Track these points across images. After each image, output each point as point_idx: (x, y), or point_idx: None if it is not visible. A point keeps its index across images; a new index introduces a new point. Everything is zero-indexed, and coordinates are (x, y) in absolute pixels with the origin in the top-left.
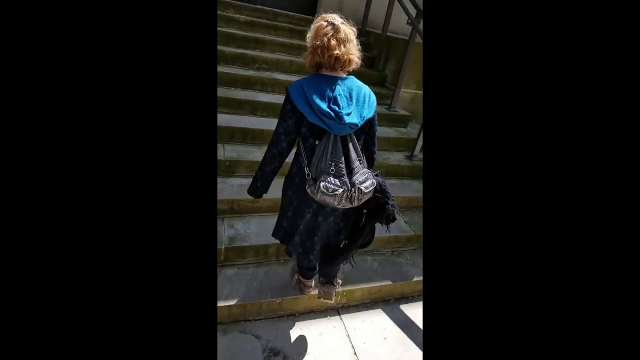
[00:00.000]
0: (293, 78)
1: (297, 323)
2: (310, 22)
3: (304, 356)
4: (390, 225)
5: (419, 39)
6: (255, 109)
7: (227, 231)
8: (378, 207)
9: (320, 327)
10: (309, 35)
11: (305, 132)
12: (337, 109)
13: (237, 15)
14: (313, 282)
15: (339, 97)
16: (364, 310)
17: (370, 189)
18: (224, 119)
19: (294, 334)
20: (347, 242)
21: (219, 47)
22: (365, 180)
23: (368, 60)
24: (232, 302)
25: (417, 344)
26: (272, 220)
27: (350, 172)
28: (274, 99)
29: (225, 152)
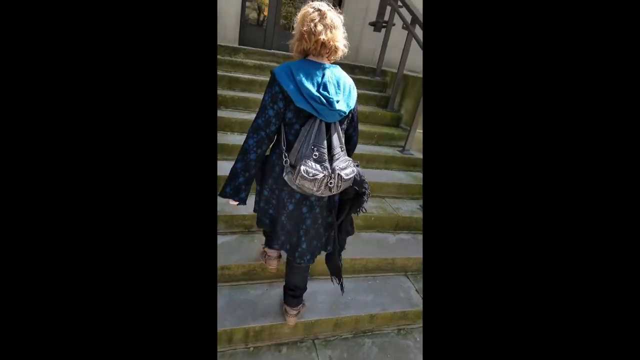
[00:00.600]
0: None
1: None
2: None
3: None
4: (360, 212)
5: None
6: None
7: None
8: (356, 197)
9: None
10: (296, 22)
11: (291, 117)
12: (327, 94)
13: (246, 60)
14: (277, 253)
15: (328, 84)
16: None
17: (350, 176)
18: (222, 167)
19: None
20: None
21: (221, 92)
22: (346, 167)
23: (382, 99)
24: None
25: None
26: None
27: (332, 158)
28: None
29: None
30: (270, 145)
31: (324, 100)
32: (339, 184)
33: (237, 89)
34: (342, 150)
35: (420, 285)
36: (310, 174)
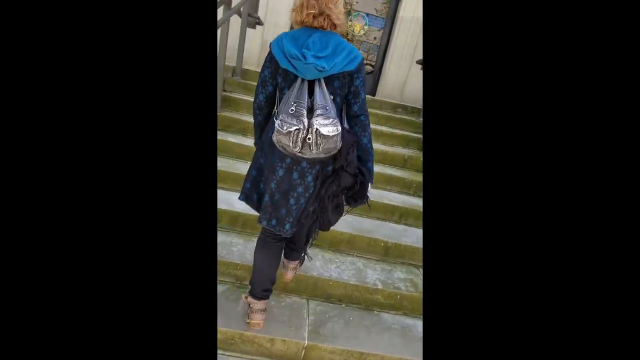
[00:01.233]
0: None
1: None
2: (371, 102)
3: None
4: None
5: None
6: None
7: None
8: (356, 184)
9: None
10: None
11: (281, 82)
12: (305, 51)
13: None
14: (262, 305)
15: (311, 43)
16: None
17: (333, 135)
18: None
19: None
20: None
21: (240, 117)
22: (328, 125)
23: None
24: None
25: None
26: None
27: (311, 113)
28: None
29: None
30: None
31: (300, 55)
32: (319, 141)
33: None
34: (326, 110)
35: None
36: (285, 128)
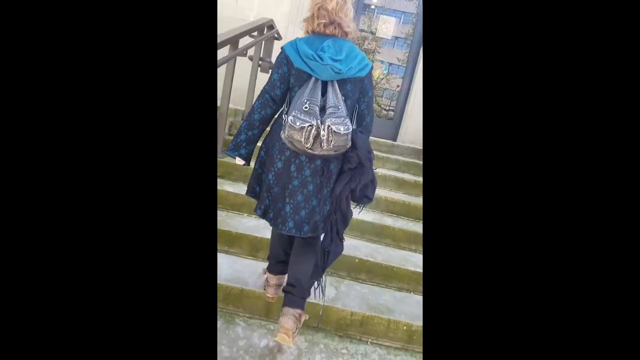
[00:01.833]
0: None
1: None
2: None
3: None
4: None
5: None
6: None
7: None
8: (359, 167)
9: None
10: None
11: (293, 82)
12: (320, 52)
13: None
14: (277, 280)
15: (326, 46)
16: None
17: (344, 132)
18: None
19: None
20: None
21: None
22: (339, 123)
23: None
24: None
25: None
26: None
27: (323, 112)
28: None
29: None
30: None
31: (316, 57)
32: (330, 138)
33: None
34: (338, 110)
35: None
36: (298, 124)
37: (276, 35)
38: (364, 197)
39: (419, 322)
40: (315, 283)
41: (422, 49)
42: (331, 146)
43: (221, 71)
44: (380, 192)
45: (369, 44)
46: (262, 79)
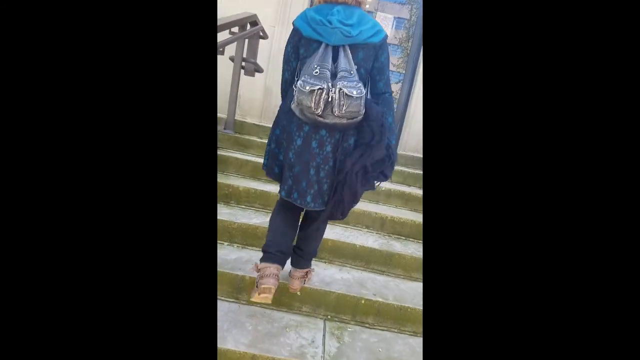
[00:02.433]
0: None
1: None
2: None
3: None
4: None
5: None
6: None
7: None
8: (371, 143)
9: None
10: None
11: (303, 52)
12: (330, 17)
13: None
14: (276, 269)
15: (335, 11)
16: None
17: (357, 96)
18: None
19: None
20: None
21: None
22: (352, 87)
23: None
24: None
25: None
26: None
27: (335, 77)
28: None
29: None
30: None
31: (325, 21)
32: (342, 102)
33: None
34: (351, 75)
35: None
36: (307, 87)
37: (262, 34)
38: (380, 174)
39: None
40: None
41: (422, 53)
42: (343, 111)
43: None
44: (384, 210)
45: None
46: (248, 83)
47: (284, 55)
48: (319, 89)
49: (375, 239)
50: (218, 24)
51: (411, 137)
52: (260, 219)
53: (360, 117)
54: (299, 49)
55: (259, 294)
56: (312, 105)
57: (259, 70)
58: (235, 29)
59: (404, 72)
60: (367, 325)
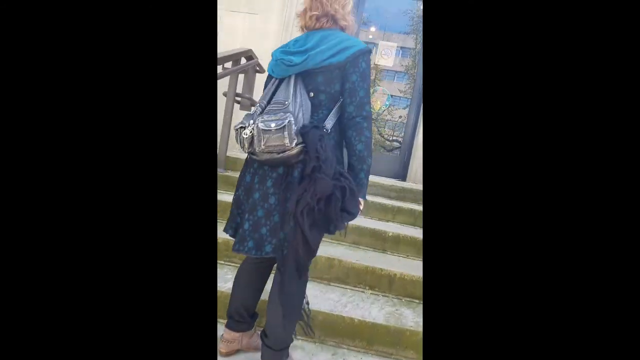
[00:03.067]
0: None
1: None
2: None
3: None
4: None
5: None
6: None
7: None
8: (339, 191)
9: None
10: None
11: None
12: (283, 48)
13: None
14: (231, 336)
15: (294, 42)
16: None
17: (275, 128)
18: None
19: None
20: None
21: None
22: (273, 119)
23: None
24: None
25: None
26: None
27: (263, 111)
28: None
29: None
30: None
31: (273, 54)
32: (260, 137)
33: None
34: (283, 106)
35: None
36: (237, 127)
37: (258, 68)
38: (344, 213)
39: None
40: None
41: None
42: (263, 146)
43: None
44: (392, 263)
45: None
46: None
47: None
48: (240, 127)
49: (381, 306)
50: None
51: (420, 166)
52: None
53: (294, 150)
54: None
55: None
56: (239, 144)
57: (254, 104)
58: (229, 64)
59: (410, 97)
60: None
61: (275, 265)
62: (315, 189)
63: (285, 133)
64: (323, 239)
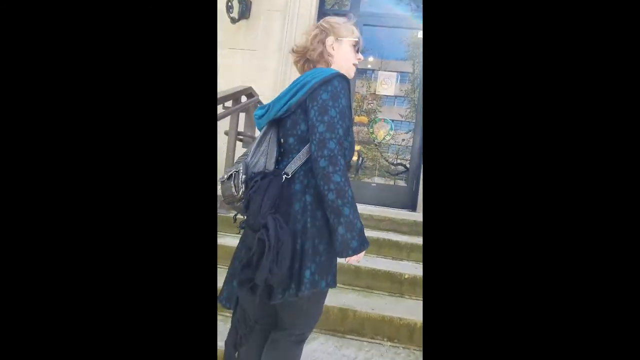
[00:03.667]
0: None
1: None
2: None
3: None
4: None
5: None
6: None
7: None
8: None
9: None
10: None
11: None
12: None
13: None
14: None
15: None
16: None
17: (226, 178)
18: None
19: None
20: None
21: None
22: (229, 171)
23: None
24: None
25: None
26: None
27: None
28: None
29: None
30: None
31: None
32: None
33: None
34: (245, 156)
35: None
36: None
37: (258, 105)
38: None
39: None
40: None
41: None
42: (222, 197)
43: None
44: (411, 313)
45: (369, 104)
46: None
47: None
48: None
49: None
50: None
51: None
52: None
53: (236, 199)
54: None
55: None
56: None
57: None
58: (230, 103)
59: (413, 120)
60: None
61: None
62: (258, 263)
63: (232, 182)
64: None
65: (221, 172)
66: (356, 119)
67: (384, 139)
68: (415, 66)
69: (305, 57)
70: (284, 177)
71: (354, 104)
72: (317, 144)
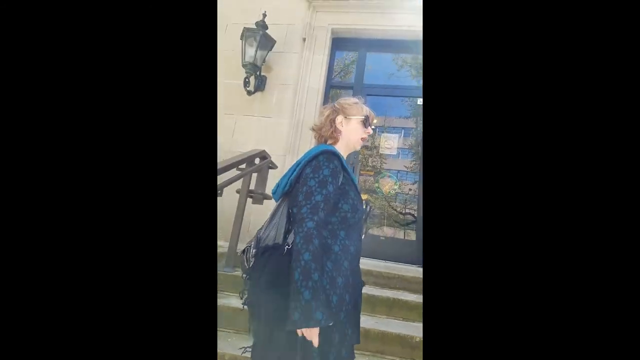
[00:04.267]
0: None
1: None
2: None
3: None
4: None
5: None
6: None
7: None
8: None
9: None
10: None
11: None
12: None
13: None
14: None
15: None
16: None
17: (239, 253)
18: None
19: None
20: None
21: None
22: (246, 247)
23: None
24: None
25: None
26: None
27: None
28: None
29: None
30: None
31: None
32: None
33: None
34: (264, 230)
35: None
36: None
37: (271, 165)
38: None
39: None
40: None
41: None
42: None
43: None
44: None
45: (374, 160)
46: (258, 208)
47: None
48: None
49: None
50: (229, 162)
51: None
52: None
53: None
54: None
55: None
56: None
57: (267, 198)
58: (243, 165)
59: (418, 172)
60: None
61: None
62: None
63: (245, 256)
64: None
65: (229, 230)
66: (362, 172)
67: (389, 193)
68: (417, 122)
69: (320, 133)
70: (285, 248)
71: (360, 156)
72: (298, 221)
